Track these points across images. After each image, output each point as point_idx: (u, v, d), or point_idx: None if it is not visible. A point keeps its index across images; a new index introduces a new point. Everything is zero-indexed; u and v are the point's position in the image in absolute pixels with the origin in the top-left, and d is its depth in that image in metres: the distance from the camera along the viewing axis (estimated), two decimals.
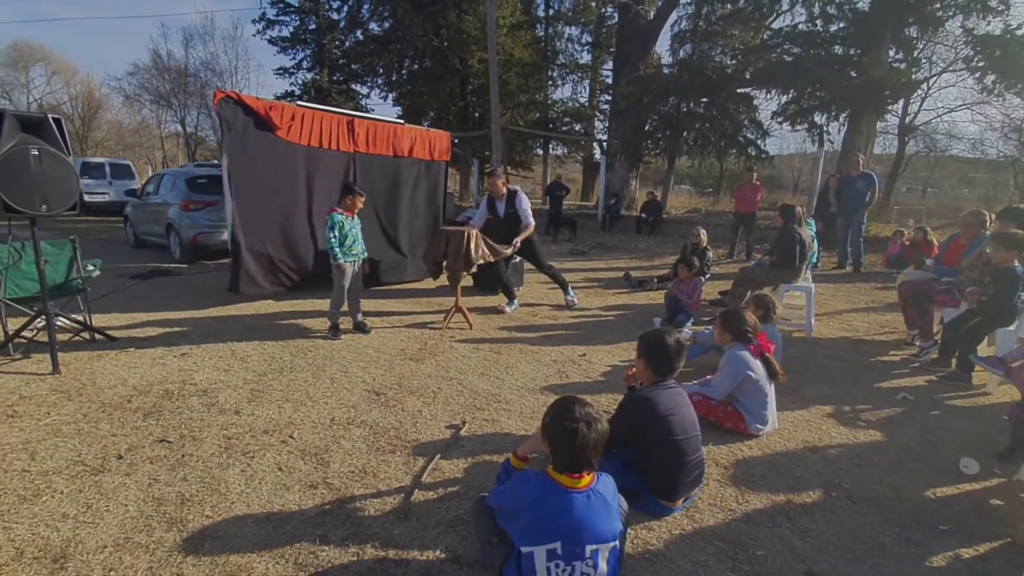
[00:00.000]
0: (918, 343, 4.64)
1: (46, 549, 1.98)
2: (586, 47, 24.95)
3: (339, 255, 4.45)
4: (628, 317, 5.76)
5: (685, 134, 16.06)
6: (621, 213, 14.93)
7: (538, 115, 23.97)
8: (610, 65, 21.79)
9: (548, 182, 18.01)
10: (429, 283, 7.02)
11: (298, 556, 1.98)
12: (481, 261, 4.94)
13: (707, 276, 6.81)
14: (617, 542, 1.66)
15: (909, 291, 4.71)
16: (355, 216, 4.65)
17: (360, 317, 4.87)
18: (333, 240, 4.42)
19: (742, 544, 2.13)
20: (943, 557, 2.10)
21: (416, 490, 2.41)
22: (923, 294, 4.59)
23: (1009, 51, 12.01)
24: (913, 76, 14.47)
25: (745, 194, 9.73)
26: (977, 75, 13.40)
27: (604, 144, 17.61)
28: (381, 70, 23.93)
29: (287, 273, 5.91)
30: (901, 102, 16.67)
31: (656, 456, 2.23)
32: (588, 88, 25.87)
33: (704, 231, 7.17)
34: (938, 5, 12.70)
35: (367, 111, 22.18)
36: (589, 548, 1.57)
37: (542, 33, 24.20)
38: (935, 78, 17.02)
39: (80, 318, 4.42)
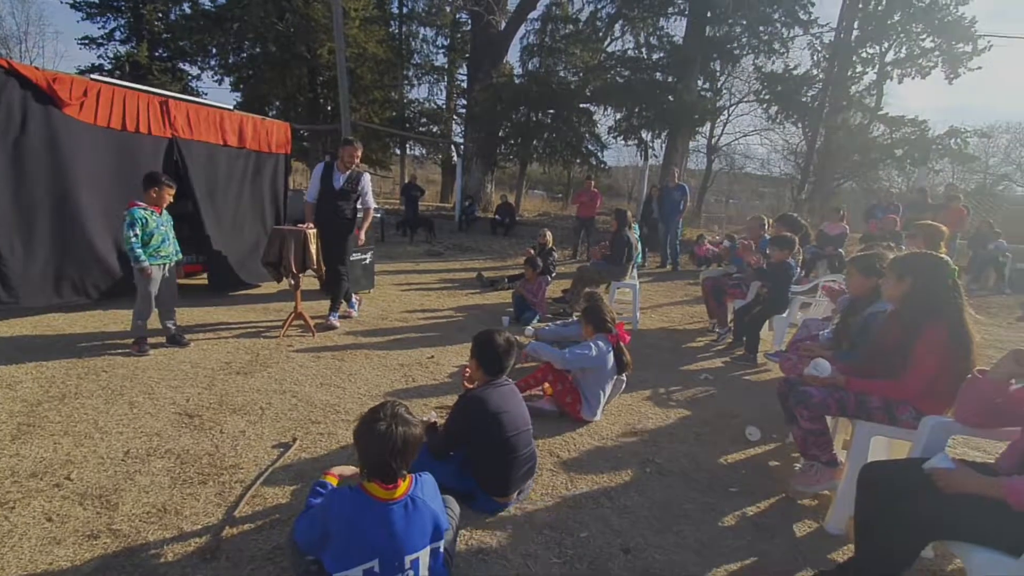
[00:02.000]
0: (716, 330, 5.46)
1: None
2: (442, 50, 24.92)
3: (142, 257, 3.80)
4: (479, 317, 5.86)
5: (535, 142, 16.91)
6: (476, 215, 15.25)
7: (395, 114, 23.34)
8: (465, 70, 22.07)
9: (405, 182, 17.68)
10: (268, 288, 6.41)
11: None
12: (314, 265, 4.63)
13: (552, 275, 7.22)
14: (441, 543, 1.63)
15: (710, 286, 5.51)
16: (163, 212, 4.04)
17: (174, 328, 4.24)
18: (134, 240, 3.77)
19: (568, 529, 2.26)
20: (733, 516, 2.44)
21: (228, 525, 2.14)
22: (719, 288, 5.41)
23: (787, 87, 15.20)
24: (717, 103, 17.14)
25: (584, 200, 10.64)
26: (764, 106, 16.50)
27: (460, 147, 17.78)
28: (214, 50, 21.26)
29: (77, 282, 4.89)
30: (708, 125, 19.64)
31: (488, 454, 2.27)
32: (445, 91, 25.89)
33: (550, 233, 7.59)
34: (735, 44, 15.23)
35: (198, 95, 19.62)
36: (408, 559, 1.52)
37: (397, 31, 23.64)
38: (734, 106, 20.76)
39: None
